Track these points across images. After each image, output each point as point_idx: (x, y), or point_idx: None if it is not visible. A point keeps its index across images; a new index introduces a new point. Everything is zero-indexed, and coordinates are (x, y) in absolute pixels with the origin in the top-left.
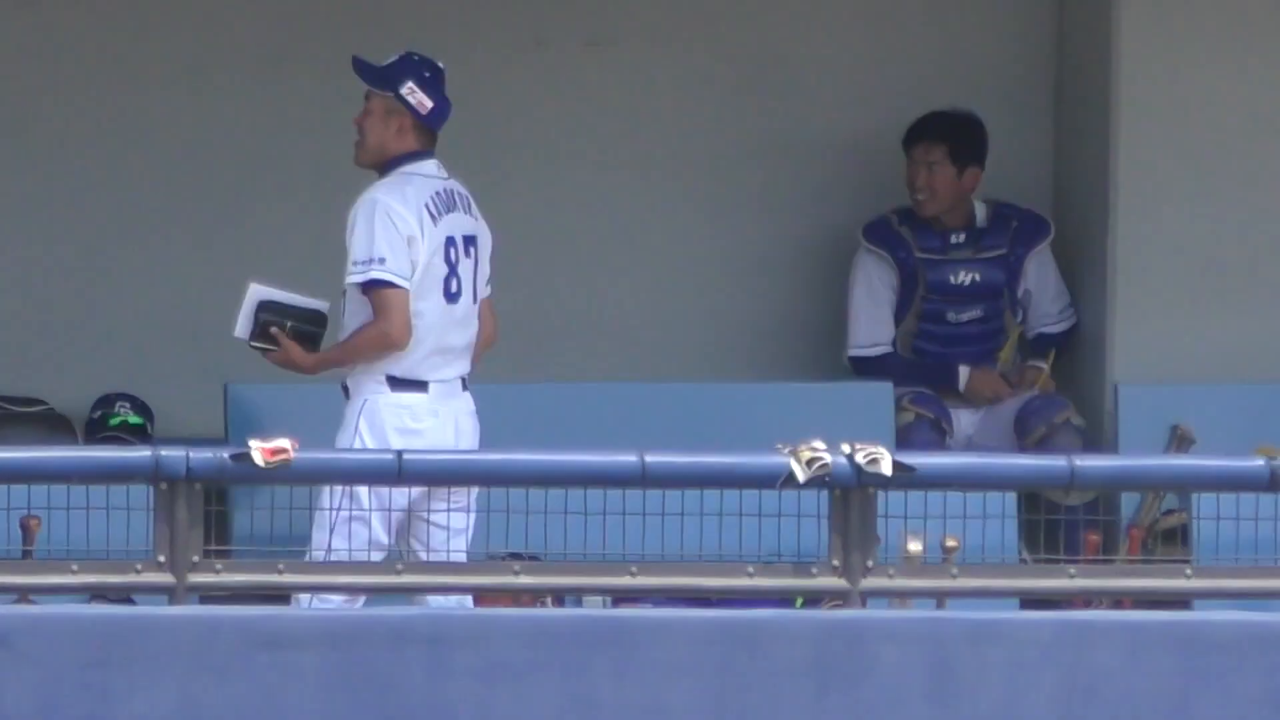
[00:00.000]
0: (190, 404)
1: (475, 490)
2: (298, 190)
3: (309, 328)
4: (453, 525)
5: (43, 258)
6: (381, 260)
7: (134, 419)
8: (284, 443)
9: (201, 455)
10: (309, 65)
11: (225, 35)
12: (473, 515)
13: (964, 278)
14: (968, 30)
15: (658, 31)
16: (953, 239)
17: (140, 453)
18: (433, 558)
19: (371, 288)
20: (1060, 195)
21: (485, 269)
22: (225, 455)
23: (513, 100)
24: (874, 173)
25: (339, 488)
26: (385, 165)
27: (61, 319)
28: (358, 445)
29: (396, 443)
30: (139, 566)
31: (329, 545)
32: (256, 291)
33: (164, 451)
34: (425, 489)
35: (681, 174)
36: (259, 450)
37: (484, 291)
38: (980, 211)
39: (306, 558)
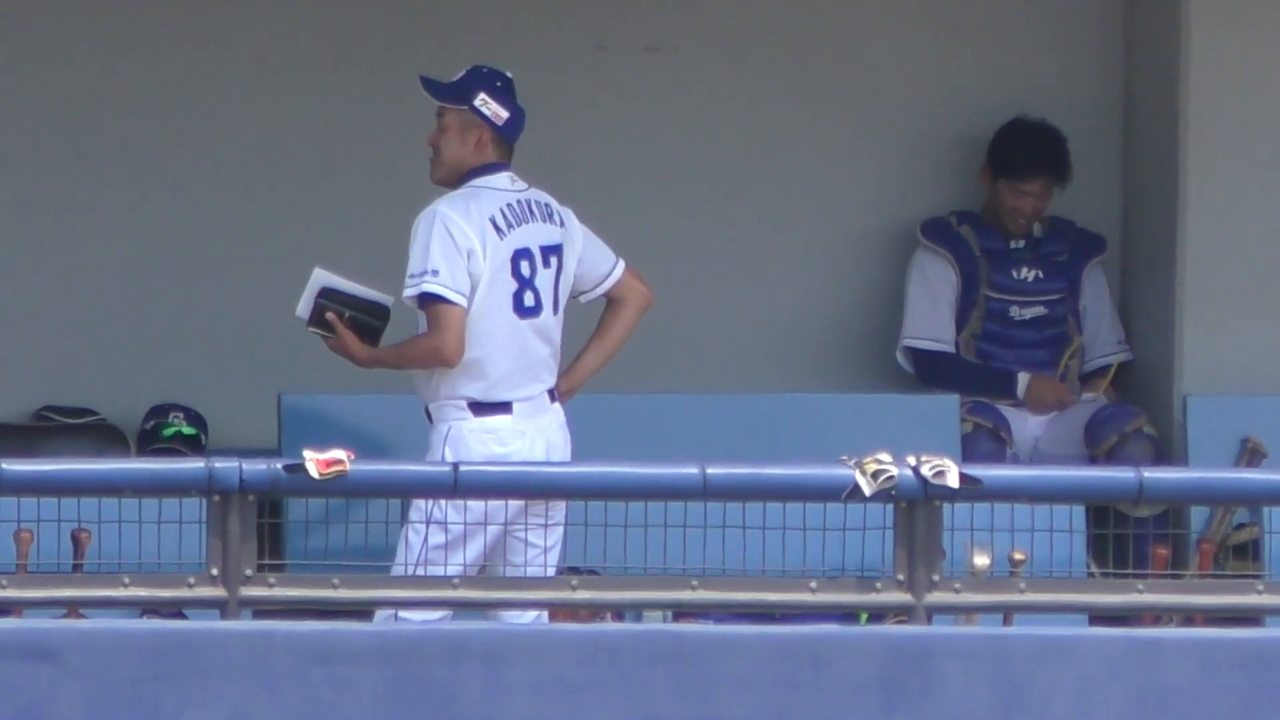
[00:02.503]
0: (244, 414)
1: (563, 506)
2: (355, 197)
3: (370, 320)
4: (545, 542)
5: (93, 265)
6: (435, 273)
7: (187, 430)
8: (339, 454)
9: (255, 467)
10: (369, 71)
11: (285, 40)
12: (560, 529)
13: (1027, 273)
14: (1034, 36)
15: (718, 36)
16: (1012, 244)
17: (193, 464)
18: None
19: (425, 301)
20: (1128, 203)
21: (569, 278)
22: (279, 467)
23: (573, 105)
24: (939, 174)
25: (431, 504)
26: (460, 179)
27: (113, 327)
28: None
29: None
30: (191, 581)
31: (417, 563)
32: (320, 277)
33: (217, 463)
34: (521, 505)
35: (740, 178)
36: (314, 462)
37: (595, 287)
38: (1038, 226)
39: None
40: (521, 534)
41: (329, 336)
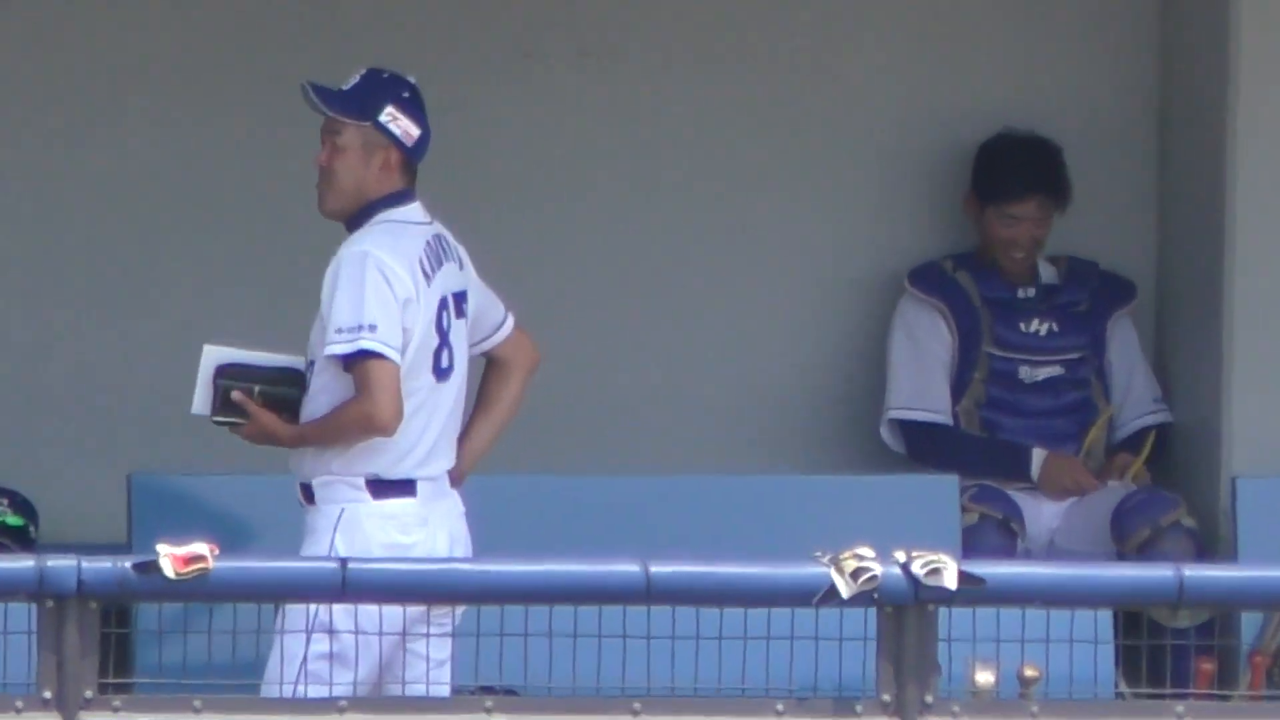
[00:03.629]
0: (84, 500)
1: (461, 610)
2: (227, 240)
3: (283, 390)
4: (435, 655)
5: None
6: (373, 327)
7: (12, 520)
8: (201, 548)
9: (98, 565)
10: (248, 87)
11: (143, 51)
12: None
13: (1038, 326)
14: (1052, 46)
15: (665, 40)
16: (1020, 293)
17: (20, 562)
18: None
19: (358, 360)
20: (1164, 241)
21: (468, 330)
22: (127, 565)
23: (493, 120)
24: (930, 211)
25: (311, 611)
26: (362, 211)
27: None
28: None
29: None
30: (19, 704)
31: (295, 683)
32: (212, 354)
33: (50, 561)
34: (421, 611)
35: (691, 211)
36: (170, 558)
37: (494, 336)
38: (1049, 271)
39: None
40: (415, 645)
41: (240, 423)
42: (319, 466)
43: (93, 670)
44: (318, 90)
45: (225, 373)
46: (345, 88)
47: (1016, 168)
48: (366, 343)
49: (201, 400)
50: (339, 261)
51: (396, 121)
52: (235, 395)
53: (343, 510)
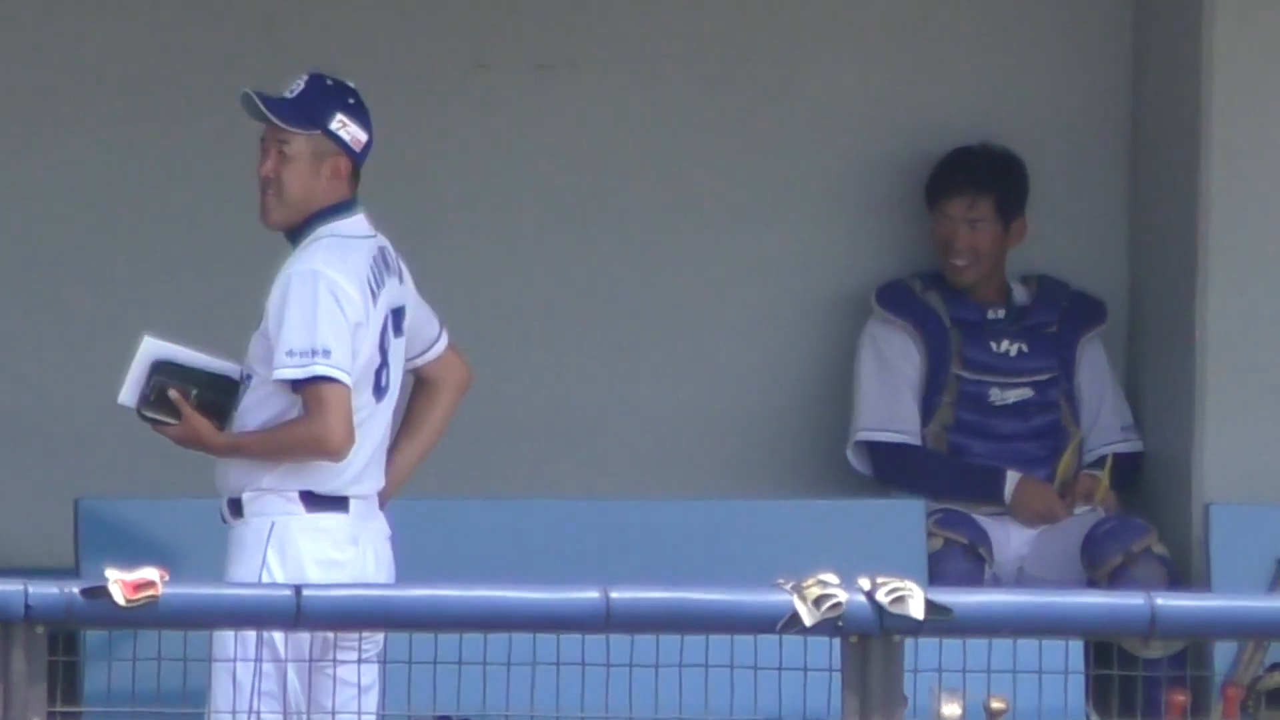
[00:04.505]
0: (30, 524)
1: (383, 636)
2: (168, 252)
3: (219, 397)
4: (362, 681)
5: None
6: (326, 352)
7: None
8: (151, 574)
9: (44, 591)
10: (181, 97)
11: (79, 58)
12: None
13: (1008, 347)
14: (1019, 58)
15: (625, 52)
16: (989, 314)
17: None
18: None
19: (310, 383)
20: (1136, 260)
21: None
22: (75, 591)
23: (445, 133)
24: (899, 229)
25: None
26: (307, 222)
27: None
28: (266, 581)
29: (315, 577)
30: None
31: (249, 710)
32: (151, 347)
33: None
34: (331, 637)
35: (652, 226)
36: (119, 584)
37: (429, 351)
38: (1020, 292)
39: None
40: (333, 672)
41: (169, 423)
42: (248, 480)
43: (40, 698)
44: (264, 99)
45: (162, 369)
46: (290, 95)
47: (949, 167)
48: (321, 368)
49: (130, 392)
50: (288, 279)
51: (345, 128)
52: (172, 393)
53: (274, 524)
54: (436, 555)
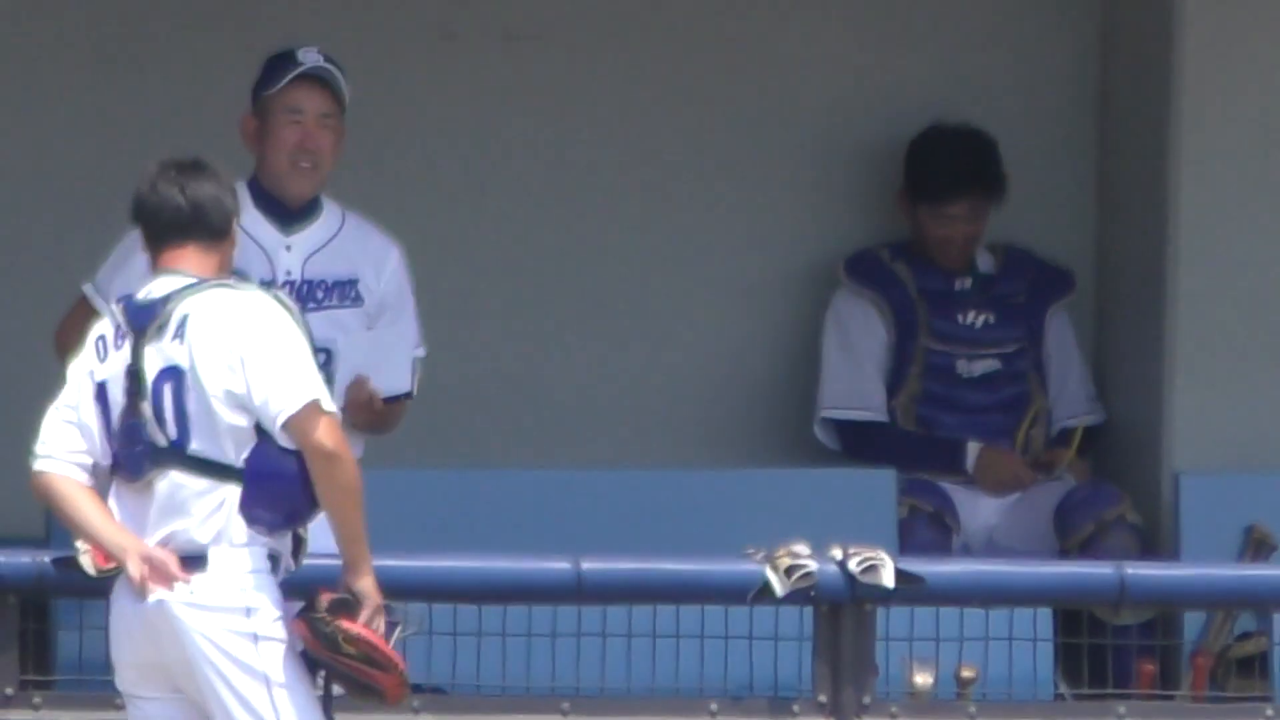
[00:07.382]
0: (0, 495)
1: None
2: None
3: None
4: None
5: None
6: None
7: None
8: None
9: (16, 560)
10: (157, 63)
11: (48, 27)
12: None
13: (975, 318)
14: (988, 29)
15: (593, 24)
16: (957, 284)
17: None
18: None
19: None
20: (1103, 230)
21: None
22: (47, 560)
23: (412, 105)
24: (868, 201)
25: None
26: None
27: None
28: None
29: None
30: None
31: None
32: None
33: None
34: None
35: (620, 199)
36: (90, 554)
37: None
38: (986, 260)
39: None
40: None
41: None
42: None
43: (12, 667)
44: (331, 74)
45: None
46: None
47: (948, 167)
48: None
49: None
50: (400, 260)
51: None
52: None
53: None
54: (407, 526)
